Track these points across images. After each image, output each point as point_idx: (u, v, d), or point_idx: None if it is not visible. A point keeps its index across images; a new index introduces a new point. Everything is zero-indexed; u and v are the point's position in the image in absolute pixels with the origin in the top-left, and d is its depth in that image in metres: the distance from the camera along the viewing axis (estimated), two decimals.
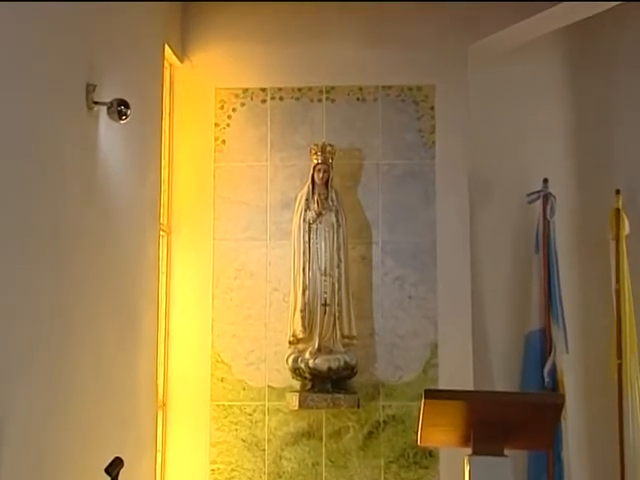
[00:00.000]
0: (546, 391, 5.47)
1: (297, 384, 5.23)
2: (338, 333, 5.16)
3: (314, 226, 5.22)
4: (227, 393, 5.31)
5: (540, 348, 5.62)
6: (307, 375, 5.12)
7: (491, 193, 5.88)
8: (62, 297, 3.45)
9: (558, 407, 3.75)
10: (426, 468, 5.24)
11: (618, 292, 5.63)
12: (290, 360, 5.17)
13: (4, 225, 2.92)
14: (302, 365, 5.12)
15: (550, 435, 3.70)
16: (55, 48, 3.38)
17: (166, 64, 5.28)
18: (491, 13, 5.34)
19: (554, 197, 5.73)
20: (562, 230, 5.81)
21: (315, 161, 5.27)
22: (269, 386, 5.31)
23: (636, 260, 5.69)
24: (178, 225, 5.41)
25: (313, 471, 5.25)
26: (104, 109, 3.71)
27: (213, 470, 5.27)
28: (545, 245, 5.69)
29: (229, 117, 5.50)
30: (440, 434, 3.66)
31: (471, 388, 5.09)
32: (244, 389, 5.32)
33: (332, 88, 5.50)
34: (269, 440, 5.27)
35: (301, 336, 5.15)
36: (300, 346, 5.18)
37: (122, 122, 3.75)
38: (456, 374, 5.20)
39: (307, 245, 5.20)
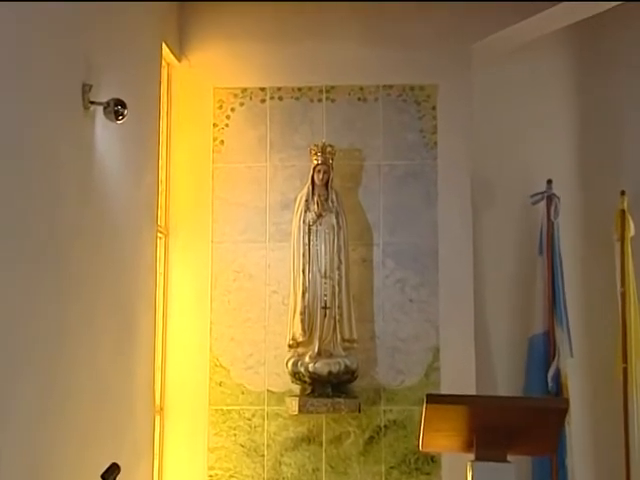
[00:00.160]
0: (550, 395, 5.44)
1: (297, 388, 5.18)
2: (338, 336, 5.12)
3: (314, 228, 5.18)
4: (226, 397, 5.27)
5: (544, 352, 5.58)
6: (307, 379, 5.08)
7: (494, 194, 5.85)
8: (58, 299, 3.42)
9: (562, 412, 3.73)
10: (428, 474, 5.19)
11: (623, 295, 5.60)
12: (290, 364, 5.12)
13: None
14: (302, 369, 5.07)
15: (554, 440, 3.68)
16: (51, 48, 3.36)
17: (163, 63, 5.25)
18: (491, 13, 5.31)
19: (558, 198, 5.69)
20: (566, 232, 5.76)
21: (315, 162, 5.23)
22: (268, 390, 5.26)
23: None
24: (176, 227, 5.37)
25: (313, 477, 5.21)
26: (101, 109, 3.69)
27: (211, 476, 5.24)
28: (549, 247, 5.66)
29: (228, 117, 5.46)
30: (442, 439, 3.64)
31: (474, 392, 5.08)
32: (243, 393, 5.27)
33: (332, 88, 5.45)
34: (268, 445, 5.22)
35: (301, 339, 5.11)
36: (300, 350, 5.14)
37: (119, 122, 3.73)
38: (458, 378, 5.17)
39: (307, 247, 5.15)
